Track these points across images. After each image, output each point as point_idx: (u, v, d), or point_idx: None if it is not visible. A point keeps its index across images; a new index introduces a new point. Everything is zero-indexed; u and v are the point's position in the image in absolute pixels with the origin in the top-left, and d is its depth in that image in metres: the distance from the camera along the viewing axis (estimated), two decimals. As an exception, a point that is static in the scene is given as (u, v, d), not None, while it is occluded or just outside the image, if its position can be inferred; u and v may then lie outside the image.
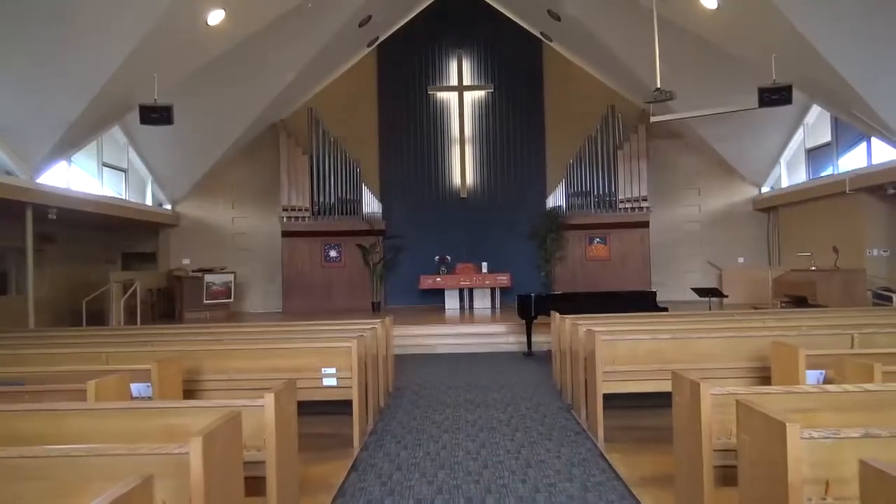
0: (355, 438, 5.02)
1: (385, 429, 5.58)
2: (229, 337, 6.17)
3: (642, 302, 9.17)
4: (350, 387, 5.03)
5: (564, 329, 6.63)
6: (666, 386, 5.02)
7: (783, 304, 10.36)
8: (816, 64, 9.40)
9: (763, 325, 6.25)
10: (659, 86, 9.71)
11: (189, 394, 4.80)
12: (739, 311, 8.37)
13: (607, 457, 4.60)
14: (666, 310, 8.89)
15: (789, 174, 14.53)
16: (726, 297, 10.69)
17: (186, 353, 4.98)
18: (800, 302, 9.86)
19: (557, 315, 7.38)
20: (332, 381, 5.06)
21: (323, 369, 5.04)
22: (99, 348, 5.25)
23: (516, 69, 15.82)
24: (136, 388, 4.43)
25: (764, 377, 4.82)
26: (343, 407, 5.10)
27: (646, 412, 5.80)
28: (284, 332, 6.58)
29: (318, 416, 5.79)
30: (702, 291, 10.58)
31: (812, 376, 4.24)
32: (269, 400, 2.87)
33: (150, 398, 4.32)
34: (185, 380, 4.79)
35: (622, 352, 5.04)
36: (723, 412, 2.84)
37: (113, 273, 13.05)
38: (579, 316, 7.01)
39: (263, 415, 2.87)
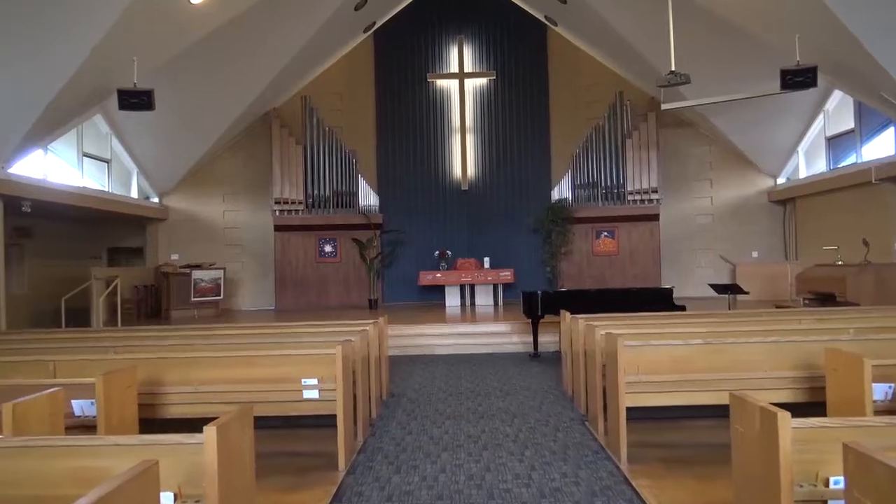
0: (340, 459, 4.35)
1: (376, 446, 4.92)
2: (202, 341, 5.49)
3: (658, 300, 8.51)
4: (334, 399, 4.37)
5: (577, 331, 5.95)
6: (699, 399, 4.39)
7: (807, 302, 9.67)
8: (843, 42, 8.70)
9: (801, 326, 5.58)
10: (673, 68, 9.04)
11: (146, 409, 4.14)
12: (767, 311, 7.67)
13: (633, 483, 3.93)
14: (683, 308, 8.22)
15: (808, 164, 13.81)
16: (747, 293, 9.98)
17: (145, 362, 4.32)
18: (826, 299, 9.17)
19: (568, 315, 6.71)
20: (314, 394, 4.39)
21: (303, 380, 4.38)
22: (49, 356, 4.60)
23: (520, 55, 15.09)
24: (79, 405, 3.78)
25: (814, 388, 4.16)
26: (329, 419, 4.43)
27: (667, 425, 5.16)
28: (265, 336, 5.91)
29: (300, 429, 5.16)
30: (720, 288, 9.88)
31: (879, 390, 3.58)
32: (209, 436, 2.19)
33: (94, 417, 3.68)
34: (143, 393, 4.14)
35: (647, 359, 4.38)
36: (805, 448, 2.17)
37: (95, 269, 12.37)
38: (593, 316, 6.34)
39: (204, 455, 2.19)
